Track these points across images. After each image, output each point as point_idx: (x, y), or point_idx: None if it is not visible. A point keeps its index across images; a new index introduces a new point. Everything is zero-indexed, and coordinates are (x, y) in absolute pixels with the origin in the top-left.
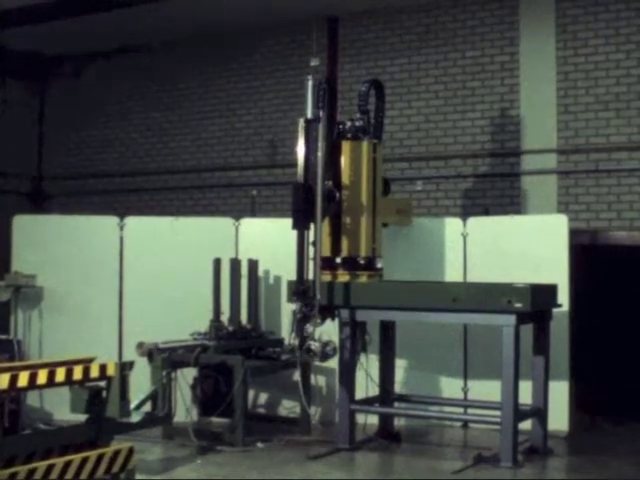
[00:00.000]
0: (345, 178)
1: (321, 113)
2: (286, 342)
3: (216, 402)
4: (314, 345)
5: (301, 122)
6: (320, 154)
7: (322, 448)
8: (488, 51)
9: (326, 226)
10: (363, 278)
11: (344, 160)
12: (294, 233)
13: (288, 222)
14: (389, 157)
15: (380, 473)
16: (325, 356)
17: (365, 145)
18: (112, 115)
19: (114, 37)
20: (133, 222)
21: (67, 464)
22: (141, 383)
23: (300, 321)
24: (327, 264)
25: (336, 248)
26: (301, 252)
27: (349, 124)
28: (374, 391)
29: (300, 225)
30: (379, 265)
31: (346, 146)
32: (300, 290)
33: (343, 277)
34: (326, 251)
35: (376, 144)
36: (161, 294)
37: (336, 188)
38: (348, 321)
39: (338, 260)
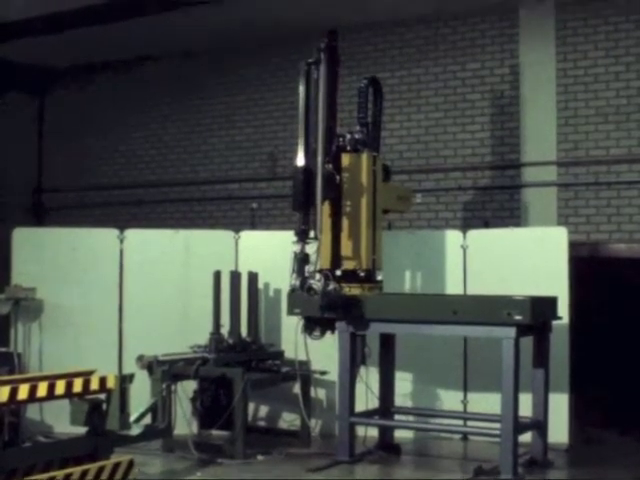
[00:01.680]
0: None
1: (322, 55)
2: (291, 283)
3: (216, 415)
4: (315, 284)
5: (302, 65)
6: (322, 95)
7: (322, 461)
8: (488, 63)
9: (326, 208)
10: (357, 290)
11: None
12: (293, 246)
13: (288, 235)
14: None
15: None
16: (327, 295)
17: (365, 157)
18: (112, 127)
19: (114, 49)
20: (133, 235)
21: (67, 477)
22: (141, 396)
23: (301, 261)
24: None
25: (336, 261)
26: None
27: (349, 137)
28: (374, 404)
29: (300, 207)
30: (379, 277)
31: (345, 159)
32: (301, 230)
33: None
34: (326, 264)
35: (376, 157)
36: (161, 307)
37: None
38: (348, 334)
39: (338, 273)
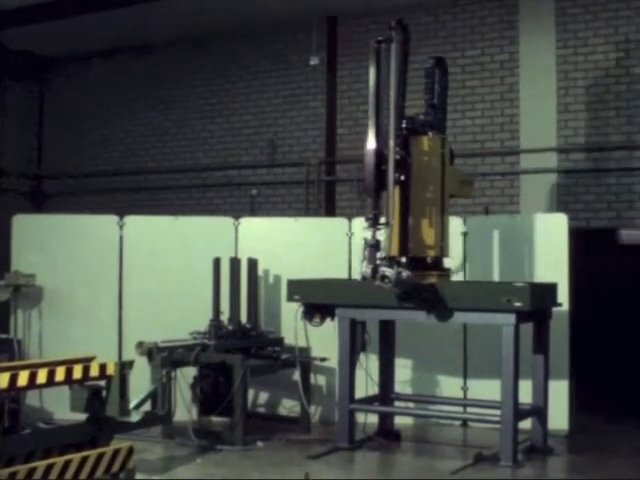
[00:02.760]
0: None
1: (394, 33)
2: (362, 270)
3: (216, 401)
4: (388, 271)
5: (371, 43)
6: (393, 75)
7: (322, 447)
8: (488, 50)
9: (395, 192)
10: (432, 278)
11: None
12: (293, 232)
13: (288, 221)
14: None
15: (380, 472)
16: (399, 282)
17: (436, 140)
18: (111, 114)
19: (113, 37)
20: (133, 221)
21: (67, 463)
22: (141, 382)
23: (372, 248)
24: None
25: (403, 247)
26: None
27: (420, 118)
28: (374, 390)
29: (372, 191)
30: (447, 265)
31: (417, 141)
32: (373, 215)
33: None
34: (396, 250)
35: (444, 139)
36: (161, 293)
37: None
38: (348, 320)
39: (403, 259)
